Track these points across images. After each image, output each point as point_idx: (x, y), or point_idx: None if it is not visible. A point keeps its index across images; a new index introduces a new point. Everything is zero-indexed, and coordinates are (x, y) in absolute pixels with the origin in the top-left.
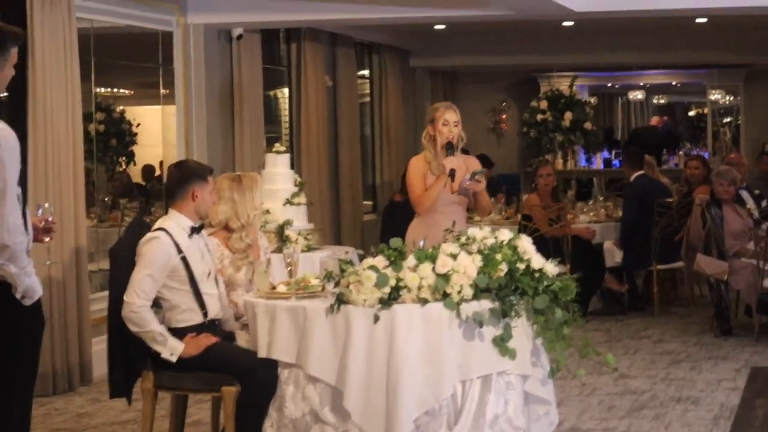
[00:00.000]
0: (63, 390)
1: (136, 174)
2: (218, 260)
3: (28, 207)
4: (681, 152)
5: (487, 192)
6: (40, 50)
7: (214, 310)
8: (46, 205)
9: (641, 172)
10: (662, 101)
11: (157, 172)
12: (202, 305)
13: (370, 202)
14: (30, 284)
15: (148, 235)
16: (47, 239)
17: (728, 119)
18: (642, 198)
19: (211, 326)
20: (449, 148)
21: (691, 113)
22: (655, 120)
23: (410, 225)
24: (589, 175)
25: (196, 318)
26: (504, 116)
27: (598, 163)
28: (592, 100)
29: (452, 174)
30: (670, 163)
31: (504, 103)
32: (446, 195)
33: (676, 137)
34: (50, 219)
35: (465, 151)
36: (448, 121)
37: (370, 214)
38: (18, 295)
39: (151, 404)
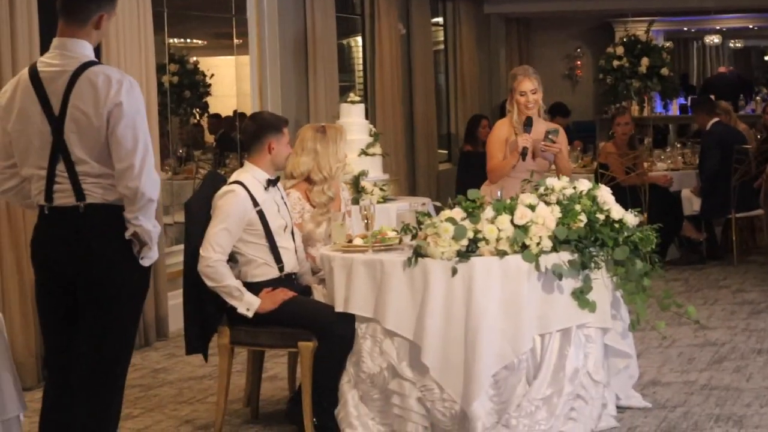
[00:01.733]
0: (139, 345)
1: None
2: (298, 214)
3: None
4: (758, 97)
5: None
6: None
7: (290, 264)
8: None
9: (717, 119)
10: (738, 45)
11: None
12: (278, 259)
13: (445, 152)
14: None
15: (224, 188)
16: None
17: None
18: (721, 145)
19: (287, 280)
20: (528, 124)
21: None
22: (722, 69)
23: (482, 187)
24: (665, 121)
25: (272, 272)
26: (579, 62)
27: (674, 110)
28: (668, 45)
29: (524, 153)
30: (746, 108)
31: (578, 50)
32: (523, 162)
33: (749, 81)
34: None
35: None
36: (525, 91)
37: (445, 164)
38: (144, 253)
39: (228, 359)
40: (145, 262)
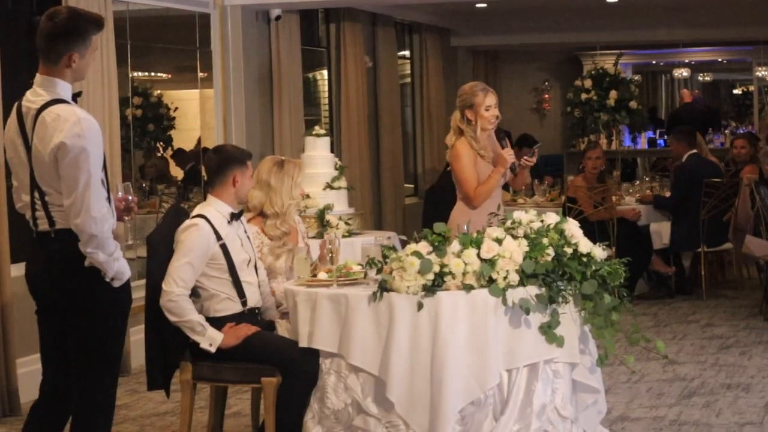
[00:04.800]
0: None
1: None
2: (257, 248)
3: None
4: (727, 131)
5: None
6: None
7: (253, 299)
8: (127, 184)
9: (694, 151)
10: (707, 78)
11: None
12: (241, 294)
13: (411, 186)
14: (119, 268)
15: (187, 222)
16: (128, 218)
17: None
18: (694, 179)
19: (250, 315)
20: (501, 138)
21: (737, 91)
22: (686, 95)
23: (453, 211)
24: (633, 155)
25: (235, 307)
26: (546, 96)
27: (642, 143)
28: (637, 78)
29: (513, 168)
30: (715, 142)
31: (546, 83)
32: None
33: (717, 112)
34: (130, 198)
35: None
36: (491, 105)
37: (412, 198)
38: (108, 279)
39: (190, 396)
40: (115, 283)
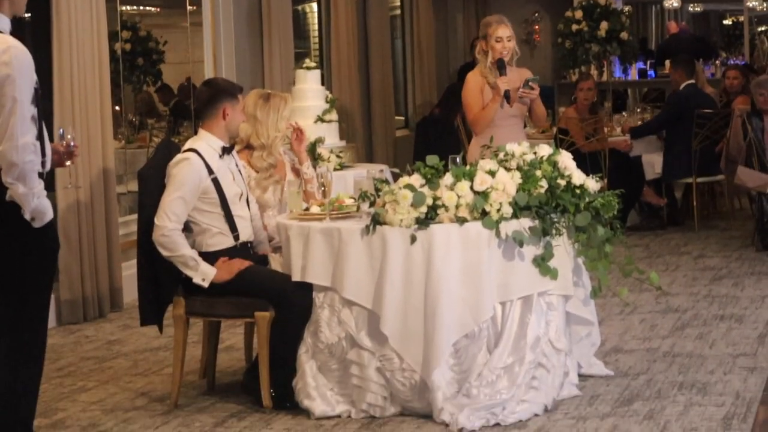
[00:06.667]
0: (93, 317)
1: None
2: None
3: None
4: (717, 61)
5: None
6: None
7: (245, 233)
8: (69, 128)
9: (691, 81)
10: (697, 9)
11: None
12: (233, 228)
13: (401, 118)
14: (38, 206)
15: (178, 156)
16: (69, 163)
17: (764, 27)
18: (684, 109)
19: (243, 250)
20: (500, 66)
21: (727, 21)
22: (672, 26)
23: (470, 145)
24: (624, 86)
25: (228, 241)
26: (537, 27)
27: (633, 74)
28: (627, 9)
29: (507, 95)
30: (706, 72)
31: (536, 14)
32: (504, 109)
33: (706, 42)
34: (72, 143)
35: None
36: (501, 38)
37: (403, 130)
38: (27, 216)
39: (183, 331)
40: (35, 224)
